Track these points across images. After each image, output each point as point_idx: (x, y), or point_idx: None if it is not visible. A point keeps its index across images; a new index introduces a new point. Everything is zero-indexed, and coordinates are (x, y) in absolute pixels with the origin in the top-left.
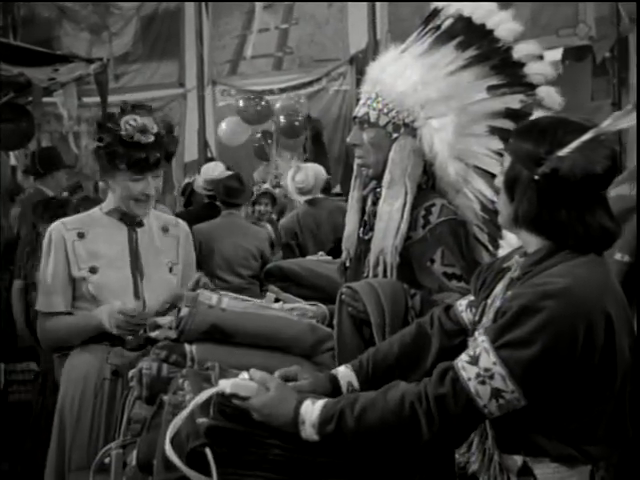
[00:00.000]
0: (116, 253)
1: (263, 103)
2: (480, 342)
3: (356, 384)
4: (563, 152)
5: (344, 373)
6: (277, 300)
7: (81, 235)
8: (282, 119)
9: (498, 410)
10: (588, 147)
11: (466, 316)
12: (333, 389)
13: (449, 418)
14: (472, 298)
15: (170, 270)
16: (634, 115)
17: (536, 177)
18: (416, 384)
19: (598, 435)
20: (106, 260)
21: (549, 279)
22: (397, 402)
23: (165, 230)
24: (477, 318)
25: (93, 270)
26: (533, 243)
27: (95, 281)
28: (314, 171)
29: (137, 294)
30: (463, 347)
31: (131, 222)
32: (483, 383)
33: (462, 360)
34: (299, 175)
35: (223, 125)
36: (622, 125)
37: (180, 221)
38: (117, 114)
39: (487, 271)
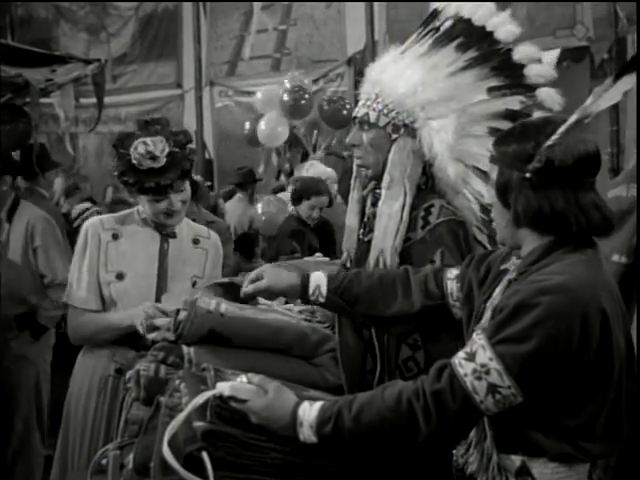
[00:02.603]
0: (144, 262)
1: (308, 95)
2: (477, 339)
3: (324, 290)
4: (552, 140)
5: (317, 275)
6: (287, 302)
7: (115, 236)
8: (326, 107)
9: (495, 406)
10: (575, 129)
11: (450, 285)
12: (302, 288)
13: (446, 414)
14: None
15: (193, 285)
16: (617, 92)
17: (527, 175)
18: (413, 382)
19: (596, 432)
20: (133, 267)
21: (545, 276)
22: (394, 399)
23: (196, 242)
24: (475, 320)
25: (120, 276)
26: (531, 243)
27: (119, 287)
28: (326, 169)
29: None
30: (438, 311)
31: (165, 232)
32: (479, 379)
33: (459, 357)
34: (312, 169)
35: (262, 125)
36: (605, 104)
37: (213, 233)
38: (130, 136)
39: (481, 265)
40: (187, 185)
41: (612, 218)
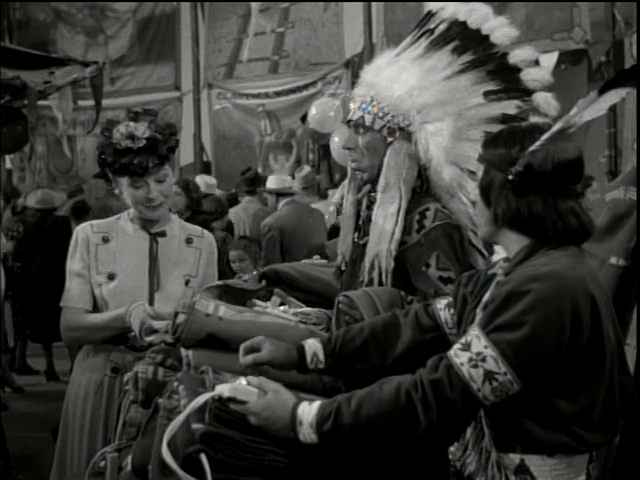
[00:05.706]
0: (135, 261)
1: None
2: (471, 331)
3: (321, 357)
4: (534, 146)
5: (312, 344)
6: (282, 304)
7: (105, 239)
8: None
9: (492, 394)
10: (559, 137)
11: (443, 314)
12: (299, 358)
13: (445, 404)
14: (452, 299)
15: (186, 283)
16: (602, 105)
17: (510, 177)
18: (411, 375)
19: (592, 421)
20: (125, 268)
21: (534, 267)
22: (393, 391)
23: (189, 242)
24: (467, 323)
25: (111, 277)
26: (515, 244)
27: (111, 287)
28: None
29: (151, 304)
30: (435, 344)
31: (154, 232)
32: (475, 366)
33: (454, 348)
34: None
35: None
36: (590, 116)
37: (206, 233)
38: (117, 123)
39: (470, 281)
40: (170, 178)
41: (591, 226)
